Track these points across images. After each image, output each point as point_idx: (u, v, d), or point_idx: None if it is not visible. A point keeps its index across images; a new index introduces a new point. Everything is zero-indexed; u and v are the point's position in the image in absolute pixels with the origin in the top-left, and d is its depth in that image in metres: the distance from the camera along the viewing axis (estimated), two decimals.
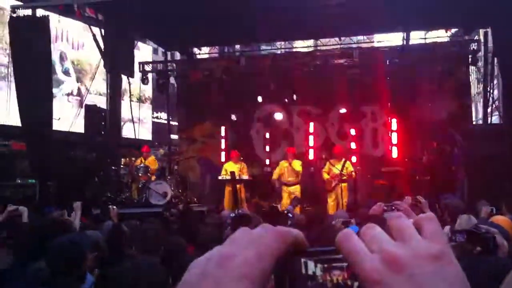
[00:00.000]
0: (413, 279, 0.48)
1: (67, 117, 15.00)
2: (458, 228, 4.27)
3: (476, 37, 14.68)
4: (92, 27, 13.11)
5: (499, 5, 9.95)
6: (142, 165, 12.22)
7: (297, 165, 11.69)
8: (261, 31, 12.63)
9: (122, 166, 13.61)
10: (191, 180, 13.60)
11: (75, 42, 17.97)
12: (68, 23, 17.21)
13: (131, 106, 15.62)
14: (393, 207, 4.57)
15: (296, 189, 11.70)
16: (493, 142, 10.85)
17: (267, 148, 13.79)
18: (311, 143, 13.07)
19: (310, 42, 17.24)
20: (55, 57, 16.07)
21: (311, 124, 13.26)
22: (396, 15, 11.79)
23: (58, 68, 16.98)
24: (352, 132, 13.28)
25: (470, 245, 2.85)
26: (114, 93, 13.52)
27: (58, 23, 16.69)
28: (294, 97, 13.82)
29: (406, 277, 0.48)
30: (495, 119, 14.20)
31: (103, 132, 12.50)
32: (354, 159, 12.47)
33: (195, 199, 12.62)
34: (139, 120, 17.98)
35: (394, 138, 12.65)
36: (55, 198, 10.01)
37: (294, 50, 17.63)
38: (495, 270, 2.12)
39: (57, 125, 12.62)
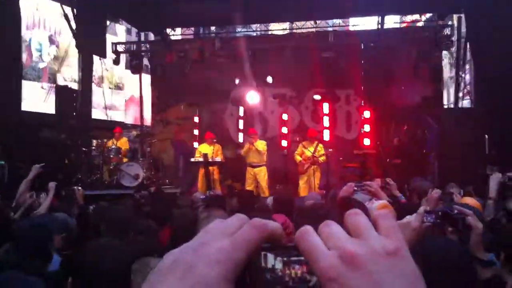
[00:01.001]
0: (369, 276, 0.48)
1: (38, 99, 14.74)
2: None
3: (449, 22, 14.79)
4: (64, 6, 12.82)
5: None
6: (113, 146, 12.10)
7: (261, 145, 11.68)
8: (236, 13, 12.51)
9: (93, 147, 13.44)
10: (165, 163, 13.52)
11: (52, 29, 17.60)
12: (45, 9, 16.80)
13: (103, 88, 15.41)
14: (363, 188, 4.61)
15: (261, 170, 11.72)
16: (464, 126, 11.02)
17: (241, 131, 13.75)
18: (284, 130, 13.07)
19: (286, 25, 17.15)
20: (33, 42, 15.76)
21: (285, 115, 13.25)
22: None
23: (35, 54, 16.58)
24: (326, 115, 13.31)
25: (444, 225, 2.88)
26: (86, 74, 13.28)
27: (36, 11, 16.27)
28: (269, 79, 13.80)
29: (362, 273, 0.49)
30: (466, 103, 14.41)
31: (74, 114, 12.29)
32: (327, 141, 12.54)
33: (168, 181, 12.55)
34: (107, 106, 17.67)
35: (367, 121, 12.73)
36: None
37: (270, 33, 17.53)
38: (442, 251, 2.14)
39: (27, 106, 12.38)
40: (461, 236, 2.83)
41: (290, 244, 0.55)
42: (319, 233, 0.54)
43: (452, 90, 15.54)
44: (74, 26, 12.54)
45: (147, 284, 0.51)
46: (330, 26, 15.63)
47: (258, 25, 16.86)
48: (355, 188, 4.73)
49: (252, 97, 13.75)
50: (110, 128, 13.80)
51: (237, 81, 14.00)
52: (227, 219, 0.55)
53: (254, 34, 16.54)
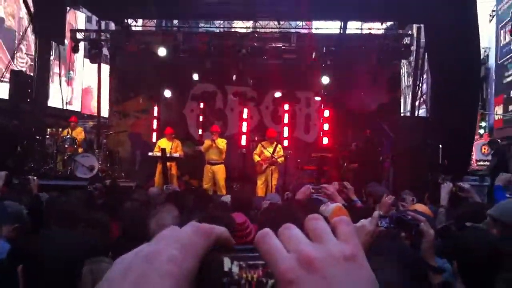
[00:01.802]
0: (325, 279, 0.49)
1: None
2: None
3: (409, 32, 15.13)
4: None
5: (433, 2, 10.28)
6: (68, 136, 11.81)
7: (221, 143, 11.68)
8: (199, 8, 12.44)
9: (47, 136, 13.08)
10: (121, 155, 13.28)
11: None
12: None
13: (60, 76, 15.04)
14: (320, 190, 4.66)
15: (220, 168, 11.72)
16: (419, 134, 11.31)
17: (200, 127, 13.67)
18: (244, 129, 13.09)
19: (249, 23, 17.17)
20: None
21: (245, 110, 13.27)
22: (335, 5, 11.94)
23: None
24: (286, 116, 13.41)
25: (397, 230, 2.93)
26: (42, 60, 12.92)
27: None
28: (230, 77, 13.78)
29: (319, 277, 0.50)
30: (422, 112, 14.78)
31: (29, 100, 11.93)
32: (285, 143, 12.63)
33: (123, 174, 12.35)
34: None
35: (326, 125, 12.90)
36: None
37: (233, 30, 17.50)
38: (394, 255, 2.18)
39: None
40: (413, 242, 2.89)
41: (248, 246, 0.56)
42: (279, 236, 0.54)
43: (409, 99, 15.90)
44: (32, 9, 12.21)
45: None
46: (293, 28, 15.71)
47: (221, 21, 16.80)
48: (312, 191, 4.78)
49: (212, 94, 13.71)
50: (65, 117, 13.49)
51: (196, 77, 13.88)
52: (182, 228, 0.55)
53: (217, 30, 16.48)
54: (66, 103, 15.00)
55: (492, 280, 2.42)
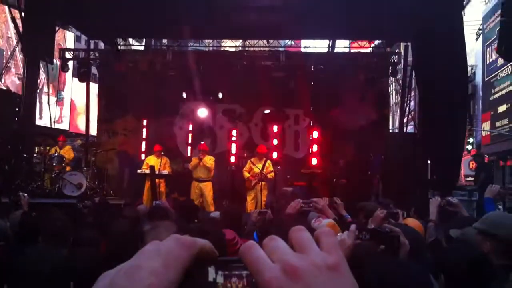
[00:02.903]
0: None
1: None
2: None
3: (397, 50, 15.31)
4: (12, 9, 12.45)
5: (420, 21, 10.42)
6: (56, 154, 11.73)
7: (209, 161, 11.67)
8: (187, 27, 12.49)
9: (35, 154, 12.98)
10: (109, 173, 13.20)
11: None
12: None
13: (48, 95, 14.99)
14: (311, 204, 4.66)
15: (207, 185, 11.70)
16: (407, 151, 11.38)
17: (189, 145, 13.65)
18: (233, 150, 13.11)
19: (238, 42, 17.29)
20: None
21: (234, 132, 13.30)
22: (323, 23, 12.06)
23: None
24: (275, 133, 13.44)
25: (374, 243, 2.93)
26: (30, 79, 12.87)
27: None
28: (219, 95, 13.84)
29: (303, 286, 0.50)
30: (410, 128, 14.89)
31: (16, 119, 11.86)
32: (275, 156, 12.66)
33: (112, 192, 12.27)
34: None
35: (315, 146, 12.94)
36: None
37: (222, 49, 17.59)
38: (393, 270, 2.18)
39: None
40: (391, 255, 2.89)
41: (233, 257, 0.56)
42: (264, 247, 0.55)
43: (397, 116, 16.01)
44: (21, 30, 12.19)
45: None
46: (282, 46, 15.84)
47: (211, 40, 16.91)
48: (302, 205, 4.78)
49: (202, 112, 13.72)
50: (54, 135, 13.41)
51: (184, 95, 13.89)
52: (163, 241, 0.55)
53: (206, 49, 16.57)
54: (55, 121, 14.89)
55: None
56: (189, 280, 0.53)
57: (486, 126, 20.12)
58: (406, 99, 13.81)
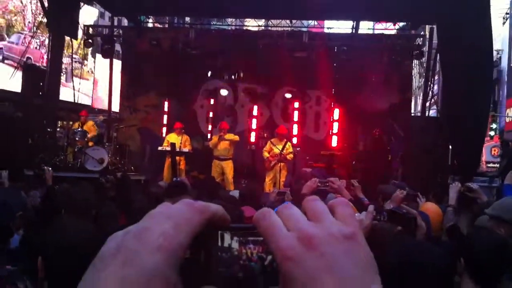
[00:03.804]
0: (324, 257, 0.50)
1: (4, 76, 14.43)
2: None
3: (422, 33, 15.07)
4: None
5: (446, 4, 10.24)
6: (79, 129, 11.87)
7: (233, 136, 11.76)
8: (212, 5, 12.47)
9: (58, 129, 13.17)
10: (131, 149, 13.33)
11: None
12: None
13: (72, 69, 15.16)
14: (327, 184, 4.66)
15: (228, 164, 11.76)
16: (430, 134, 11.27)
17: (210, 123, 13.70)
18: (253, 126, 13.09)
19: (261, 22, 17.19)
20: None
21: (255, 108, 13.27)
22: (347, 4, 11.93)
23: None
24: (296, 114, 13.41)
25: (392, 224, 2.95)
26: (55, 54, 13.01)
27: None
28: (241, 74, 13.81)
29: (318, 254, 0.50)
30: (433, 113, 14.72)
31: (41, 93, 12.03)
32: (295, 140, 12.64)
33: (133, 168, 12.40)
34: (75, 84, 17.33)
35: (336, 126, 12.87)
36: None
37: (245, 28, 17.52)
38: (413, 250, 2.20)
39: None
40: (409, 234, 2.91)
41: (247, 224, 0.57)
42: (279, 214, 0.55)
43: (420, 100, 15.84)
44: (46, 5, 12.30)
45: (90, 269, 0.51)
46: (305, 27, 15.72)
47: (234, 19, 16.83)
48: (319, 184, 4.78)
49: (223, 91, 13.73)
50: (77, 110, 13.57)
51: (209, 74, 13.92)
52: (174, 204, 0.55)
53: (229, 28, 16.51)
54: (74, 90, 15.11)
55: (498, 278, 2.44)
56: (202, 245, 0.54)
57: (510, 112, 19.82)
58: (429, 83, 13.65)
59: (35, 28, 16.59)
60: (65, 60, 16.19)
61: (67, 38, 14.02)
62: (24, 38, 17.20)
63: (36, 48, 17.48)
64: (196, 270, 0.55)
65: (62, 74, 14.79)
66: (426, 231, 2.87)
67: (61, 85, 13.92)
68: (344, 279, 0.49)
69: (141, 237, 0.51)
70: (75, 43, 16.01)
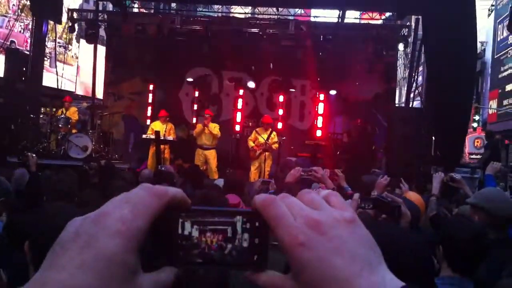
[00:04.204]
0: (333, 240, 0.53)
1: None
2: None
3: (407, 23, 15.12)
4: None
5: None
6: (62, 116, 11.74)
7: (214, 128, 11.68)
8: None
9: (41, 115, 13.02)
10: (114, 137, 13.25)
11: None
12: None
13: (55, 54, 14.96)
14: (310, 173, 4.70)
15: (211, 153, 11.74)
16: (412, 125, 11.36)
17: (194, 111, 13.64)
18: (238, 117, 13.05)
19: (248, 9, 17.13)
20: None
21: (240, 100, 13.22)
22: None
23: None
24: (280, 102, 13.40)
25: (376, 212, 2.99)
26: (38, 39, 12.84)
27: None
28: (227, 62, 13.75)
29: (327, 237, 0.53)
30: (416, 104, 14.82)
31: (23, 78, 11.86)
32: (280, 126, 12.65)
33: (117, 156, 12.33)
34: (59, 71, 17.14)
35: (320, 117, 12.89)
36: None
37: (231, 15, 17.44)
38: (396, 238, 2.23)
39: None
40: (393, 223, 2.95)
41: (206, 207, 0.58)
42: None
43: (404, 90, 15.92)
44: None
45: (50, 255, 0.51)
46: (292, 15, 15.68)
47: (220, 6, 16.74)
48: (302, 173, 4.81)
49: (208, 79, 13.67)
50: (60, 97, 13.42)
51: (191, 61, 13.81)
52: (132, 190, 0.55)
53: (215, 15, 16.42)
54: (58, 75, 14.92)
55: (475, 265, 2.49)
56: (161, 230, 0.55)
57: (493, 104, 20.03)
58: (414, 74, 13.73)
59: (19, 11, 16.31)
60: (49, 44, 16.00)
61: (51, 23, 13.81)
62: (9, 21, 16.69)
63: (20, 32, 17.14)
64: (156, 253, 0.56)
65: (46, 59, 14.53)
66: (410, 219, 2.90)
67: (44, 70, 13.74)
68: (354, 259, 0.52)
69: (100, 222, 0.51)
70: (59, 27, 15.73)
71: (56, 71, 14.77)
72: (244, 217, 0.57)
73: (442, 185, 4.94)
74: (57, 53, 15.93)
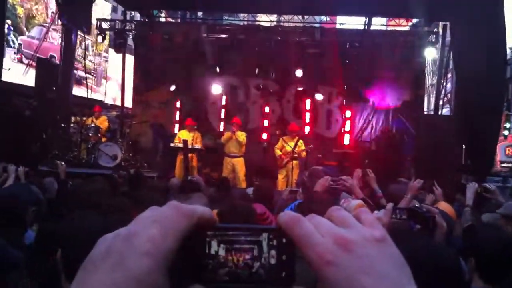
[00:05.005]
0: (362, 259, 0.52)
1: (17, 69, 14.49)
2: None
3: (435, 30, 14.95)
4: None
5: (460, 0, 10.16)
6: (92, 125, 11.92)
7: (241, 136, 11.69)
8: (224, 0, 12.47)
9: (72, 124, 13.24)
10: (143, 146, 13.38)
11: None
12: None
13: (85, 65, 15.22)
14: (339, 182, 4.65)
15: (239, 161, 11.74)
16: (442, 133, 11.20)
17: (222, 120, 13.69)
18: (265, 123, 13.05)
19: (273, 17, 17.16)
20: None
21: (267, 108, 13.21)
22: (360, 0, 11.86)
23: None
24: (307, 110, 13.37)
25: (411, 222, 2.95)
26: (68, 49, 13.08)
27: None
28: (253, 70, 13.78)
29: (356, 256, 0.52)
30: (446, 111, 14.61)
31: (54, 88, 12.08)
32: (307, 130, 12.58)
33: (145, 164, 12.44)
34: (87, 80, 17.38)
35: (348, 124, 12.81)
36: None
37: (257, 23, 17.48)
38: (429, 251, 2.20)
39: (6, 76, 12.14)
40: (427, 235, 2.90)
41: (233, 225, 0.58)
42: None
43: (433, 98, 15.72)
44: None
45: (81, 272, 0.53)
46: (317, 23, 15.65)
47: (246, 14, 16.81)
48: (331, 183, 4.77)
49: (235, 87, 13.71)
50: (89, 106, 13.63)
51: (217, 69, 13.86)
52: (161, 208, 0.56)
53: (241, 23, 16.49)
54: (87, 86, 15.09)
55: (508, 275, 2.44)
56: (188, 250, 0.55)
57: None
58: (442, 81, 13.55)
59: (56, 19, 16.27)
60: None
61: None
62: (47, 32, 16.30)
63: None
64: (183, 273, 0.56)
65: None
66: (446, 230, 2.86)
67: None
68: (383, 279, 0.52)
69: (129, 241, 0.52)
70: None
71: (86, 80, 15.01)
72: (271, 234, 0.57)
73: (476, 196, 4.87)
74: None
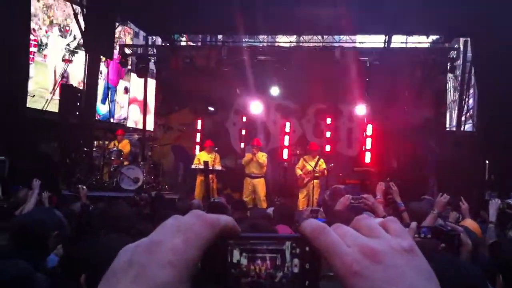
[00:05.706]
0: (390, 269, 0.51)
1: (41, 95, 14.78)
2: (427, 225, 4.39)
3: (456, 46, 14.87)
4: (74, 5, 12.92)
5: (481, 16, 10.10)
6: (115, 148, 12.05)
7: (262, 157, 11.70)
8: (244, 22, 12.58)
9: (94, 148, 13.43)
10: (164, 168, 13.47)
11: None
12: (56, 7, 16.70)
13: (108, 90, 15.45)
14: (360, 201, 4.61)
15: (260, 182, 11.73)
16: (465, 150, 11.06)
17: (242, 141, 13.74)
18: (286, 142, 13.07)
19: (293, 38, 17.25)
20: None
21: (287, 124, 13.24)
22: (379, 18, 11.88)
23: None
24: (328, 129, 13.34)
25: (435, 241, 2.90)
26: (92, 74, 13.34)
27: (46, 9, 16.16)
28: (273, 91, 13.84)
29: (384, 267, 0.51)
30: (468, 127, 14.44)
31: (77, 113, 12.30)
32: (328, 149, 12.50)
33: (167, 186, 12.52)
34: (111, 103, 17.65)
35: (369, 142, 12.74)
36: (25, 176, 9.80)
37: (277, 44, 17.60)
38: (455, 270, 2.17)
39: (30, 103, 12.41)
40: (453, 252, 2.86)
41: (256, 234, 0.58)
42: (334, 232, 0.56)
43: (455, 114, 15.57)
44: (83, 26, 12.64)
45: (103, 283, 0.52)
46: (337, 42, 15.68)
47: (265, 36, 16.94)
48: (352, 201, 4.73)
49: (255, 108, 13.78)
50: (112, 130, 13.81)
51: (238, 91, 13.96)
52: (185, 216, 0.55)
53: (261, 45, 16.61)
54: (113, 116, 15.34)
55: None
56: (211, 260, 0.54)
57: None
58: (464, 97, 13.42)
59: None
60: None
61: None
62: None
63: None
64: (205, 282, 0.55)
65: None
66: (471, 248, 2.81)
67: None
68: None
69: (152, 251, 0.52)
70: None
71: (109, 105, 15.24)
72: (294, 242, 0.57)
73: (499, 212, 4.80)
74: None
